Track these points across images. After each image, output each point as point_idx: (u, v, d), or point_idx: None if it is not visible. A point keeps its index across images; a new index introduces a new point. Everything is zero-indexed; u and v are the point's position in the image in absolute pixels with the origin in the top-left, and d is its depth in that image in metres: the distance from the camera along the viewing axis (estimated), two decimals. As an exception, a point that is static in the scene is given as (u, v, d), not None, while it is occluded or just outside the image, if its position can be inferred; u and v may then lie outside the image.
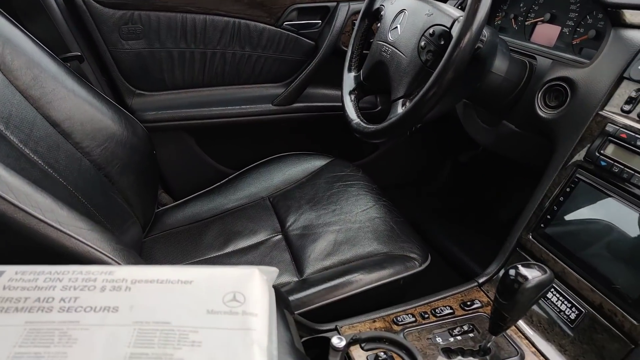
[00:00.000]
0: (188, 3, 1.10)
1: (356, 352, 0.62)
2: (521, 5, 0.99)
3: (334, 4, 1.20)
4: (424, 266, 0.84)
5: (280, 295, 0.53)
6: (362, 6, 1.02)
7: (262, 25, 1.18)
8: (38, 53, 0.74)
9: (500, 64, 0.86)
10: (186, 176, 1.24)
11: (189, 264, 0.90)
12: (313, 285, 0.80)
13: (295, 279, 0.85)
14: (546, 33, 0.93)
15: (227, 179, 1.15)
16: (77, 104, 0.77)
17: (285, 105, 1.24)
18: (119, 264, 0.48)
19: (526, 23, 0.98)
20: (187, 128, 1.20)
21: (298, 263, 0.89)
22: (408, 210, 1.13)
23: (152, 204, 1.03)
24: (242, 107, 1.20)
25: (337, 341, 0.54)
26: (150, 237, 0.98)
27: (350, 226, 0.94)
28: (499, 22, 1.06)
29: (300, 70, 1.24)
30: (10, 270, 0.39)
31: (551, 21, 0.92)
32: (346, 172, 1.11)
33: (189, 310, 0.41)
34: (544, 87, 0.83)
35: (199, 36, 1.14)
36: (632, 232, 0.63)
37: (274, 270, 0.51)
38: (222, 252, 0.93)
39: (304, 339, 0.64)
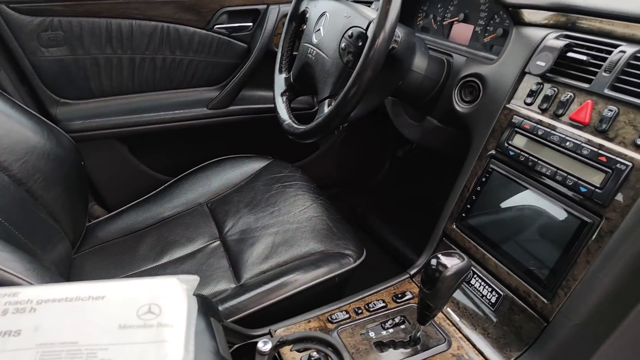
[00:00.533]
0: (111, 8, 1.08)
1: (289, 354, 0.64)
2: (439, 6, 1.05)
3: (264, 6, 1.21)
4: (358, 262, 0.87)
5: (208, 304, 0.54)
6: (289, 8, 1.04)
7: (192, 29, 1.18)
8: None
9: (420, 63, 0.91)
10: (120, 186, 1.21)
11: (123, 277, 0.89)
12: (249, 290, 0.81)
13: (233, 286, 0.86)
14: (462, 32, 0.99)
15: (163, 186, 1.14)
16: (-9, 117, 0.74)
17: (220, 109, 1.24)
18: (31, 284, 0.48)
19: (444, 23, 1.03)
20: (118, 136, 1.18)
21: (236, 269, 0.90)
22: (350, 206, 1.17)
23: (83, 218, 1.01)
24: (176, 112, 1.19)
25: (262, 345, 0.56)
26: (81, 253, 0.96)
27: (288, 227, 0.96)
28: (421, 22, 1.11)
29: (234, 73, 1.25)
30: None
31: (465, 21, 0.98)
32: (285, 172, 1.13)
33: (99, 327, 0.42)
34: (459, 84, 0.88)
35: (126, 42, 1.12)
36: (540, 218, 0.69)
37: (194, 279, 0.52)
38: (157, 263, 0.92)
39: (235, 346, 0.65)
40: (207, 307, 0.52)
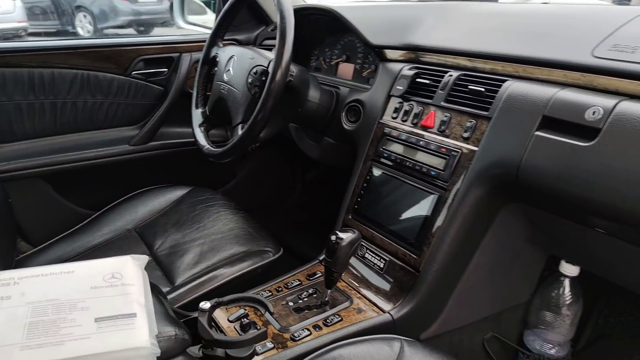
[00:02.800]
0: (33, 59, 1.24)
1: (220, 313, 0.83)
2: (326, 50, 1.35)
3: (177, 54, 1.44)
4: (277, 256, 1.09)
5: (153, 286, 0.72)
6: (201, 55, 1.28)
7: (111, 75, 1.36)
8: None
9: (314, 94, 1.18)
10: (45, 223, 1.32)
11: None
12: (182, 286, 0.99)
13: (168, 289, 1.03)
14: (346, 69, 1.29)
15: (90, 218, 1.28)
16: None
17: (141, 145, 1.42)
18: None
19: (331, 63, 1.33)
20: (41, 175, 1.30)
21: (169, 277, 1.06)
22: (267, 225, 1.37)
23: (11, 253, 1.11)
24: (99, 149, 1.35)
25: (204, 304, 0.75)
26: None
27: (214, 237, 1.15)
28: (314, 63, 1.40)
29: (153, 113, 1.44)
30: None
31: (348, 61, 1.29)
32: (206, 196, 1.32)
33: (75, 289, 0.60)
34: (345, 108, 1.16)
35: (48, 88, 1.27)
36: (409, 198, 0.96)
37: (144, 257, 0.72)
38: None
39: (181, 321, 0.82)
40: (152, 287, 0.70)
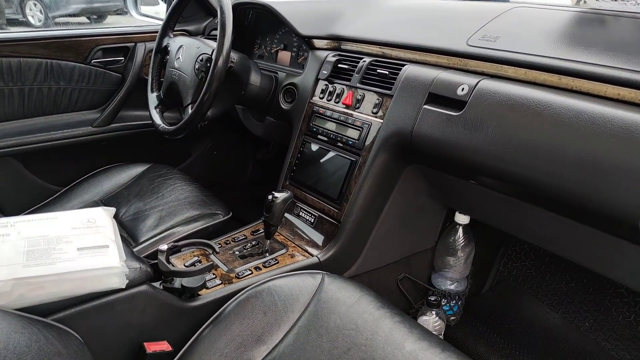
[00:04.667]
0: (5, 49, 1.38)
1: (177, 261, 1.03)
2: (267, 39, 1.54)
3: (132, 44, 1.59)
4: (226, 218, 1.28)
5: (122, 237, 0.89)
6: (154, 45, 1.44)
7: (72, 63, 1.51)
8: None
9: (255, 78, 1.37)
10: (19, 198, 1.46)
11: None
12: (146, 242, 1.17)
13: (132, 245, 1.20)
14: (284, 57, 1.48)
15: (59, 192, 1.43)
16: None
17: (103, 127, 1.57)
18: None
19: (272, 51, 1.52)
20: (13, 154, 1.44)
21: (133, 237, 1.24)
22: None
23: None
24: (64, 131, 1.50)
25: (162, 247, 0.93)
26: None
27: (171, 204, 1.33)
28: (257, 51, 1.59)
29: (112, 98, 1.59)
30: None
31: (285, 49, 1.48)
32: (164, 171, 1.49)
33: (59, 228, 0.78)
34: (282, 90, 1.36)
35: (16, 75, 1.41)
36: (333, 164, 1.17)
37: (112, 209, 0.90)
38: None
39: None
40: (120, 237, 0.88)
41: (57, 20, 8.43)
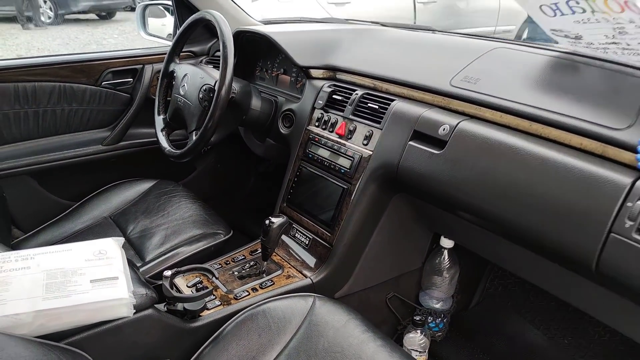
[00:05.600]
0: (16, 75, 1.47)
1: (181, 281, 1.12)
2: (268, 63, 1.62)
3: (141, 66, 1.68)
4: (227, 237, 1.37)
5: (129, 261, 0.99)
6: (161, 69, 1.52)
7: (84, 86, 1.60)
8: None
9: (256, 103, 1.45)
10: (34, 212, 1.56)
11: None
12: (152, 261, 1.26)
13: (140, 264, 1.30)
14: (284, 80, 1.56)
15: (70, 208, 1.53)
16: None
17: (112, 145, 1.67)
18: None
19: (272, 74, 1.60)
20: (28, 172, 1.54)
21: (140, 255, 1.34)
22: (224, 213, 1.64)
23: (7, 238, 1.36)
24: (76, 150, 1.60)
25: (166, 273, 1.03)
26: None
27: (176, 222, 1.42)
28: (258, 73, 1.67)
29: (122, 117, 1.69)
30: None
31: (285, 73, 1.56)
32: (169, 188, 1.59)
33: (74, 260, 0.88)
34: (281, 115, 1.44)
35: (31, 99, 1.51)
36: (327, 190, 1.26)
37: (121, 239, 0.99)
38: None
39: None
40: (128, 261, 0.98)
41: (67, 17, 8.56)
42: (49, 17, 8.16)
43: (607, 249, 0.76)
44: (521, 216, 0.88)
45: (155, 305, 0.99)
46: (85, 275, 0.85)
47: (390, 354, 0.91)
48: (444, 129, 1.02)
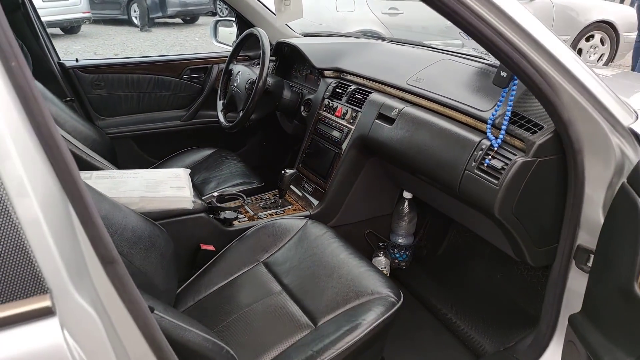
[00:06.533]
0: (127, 69, 2.18)
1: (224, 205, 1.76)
2: (300, 65, 2.23)
3: (210, 65, 2.35)
4: (259, 185, 1.98)
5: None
6: (224, 68, 2.17)
7: (169, 78, 2.29)
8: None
9: (287, 94, 2.06)
10: (132, 166, 2.27)
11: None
12: (206, 196, 1.91)
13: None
14: (310, 78, 2.16)
15: (157, 163, 2.22)
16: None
17: (187, 121, 2.35)
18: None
19: (302, 74, 2.21)
20: (131, 137, 2.25)
21: (201, 194, 1.98)
22: (262, 172, 2.25)
23: None
24: (163, 123, 2.30)
25: (215, 193, 1.65)
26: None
27: (226, 175, 2.05)
28: (294, 73, 2.28)
29: (194, 101, 2.37)
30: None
31: (310, 74, 2.15)
32: (225, 154, 2.22)
33: (161, 176, 1.54)
34: (303, 103, 2.04)
35: (135, 86, 2.21)
36: (325, 154, 1.83)
37: (188, 170, 1.64)
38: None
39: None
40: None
41: (157, 21, 9.72)
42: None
43: (463, 179, 1.28)
44: (429, 164, 1.42)
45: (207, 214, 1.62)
46: (167, 184, 1.50)
47: (346, 249, 1.46)
48: (394, 112, 1.57)
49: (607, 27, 6.15)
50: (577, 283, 1.21)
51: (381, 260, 1.79)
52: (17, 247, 0.56)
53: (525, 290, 1.72)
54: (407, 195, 1.82)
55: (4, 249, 0.55)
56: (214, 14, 10.25)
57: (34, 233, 0.58)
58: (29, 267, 0.57)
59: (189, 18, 10.26)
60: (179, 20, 10.32)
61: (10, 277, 0.56)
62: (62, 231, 0.61)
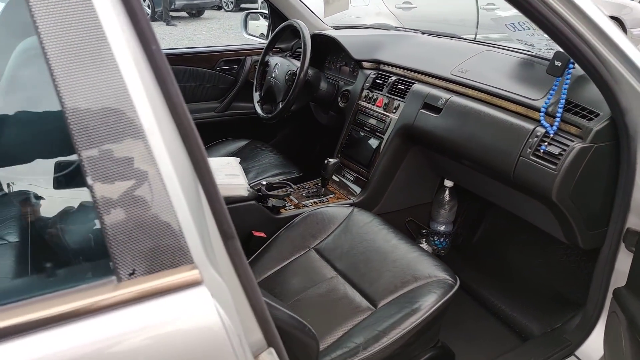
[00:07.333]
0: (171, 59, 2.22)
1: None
2: (334, 57, 2.27)
3: (243, 57, 2.40)
4: (299, 175, 2.03)
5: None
6: (259, 58, 2.22)
7: (204, 70, 2.34)
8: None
9: (323, 85, 2.11)
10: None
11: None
12: (251, 184, 1.96)
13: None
14: (344, 70, 2.21)
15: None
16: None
17: (221, 112, 2.40)
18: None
19: (337, 66, 2.25)
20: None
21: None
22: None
23: None
24: (197, 114, 2.35)
25: (263, 182, 1.70)
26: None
27: (264, 165, 2.10)
28: (327, 65, 2.33)
29: (228, 93, 2.41)
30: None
31: (345, 65, 2.20)
32: (259, 145, 2.27)
33: (216, 164, 1.58)
34: (341, 94, 2.09)
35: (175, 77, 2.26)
36: (366, 144, 1.89)
37: (238, 159, 1.70)
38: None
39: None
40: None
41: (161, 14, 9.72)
42: (147, 14, 9.31)
43: (518, 165, 1.34)
44: (480, 151, 1.47)
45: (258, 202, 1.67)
46: (223, 172, 1.55)
47: (396, 235, 1.52)
48: (441, 101, 1.62)
49: (615, 22, 6.18)
50: (624, 264, 1.27)
51: (424, 246, 1.85)
52: (172, 220, 0.62)
53: (563, 274, 1.78)
54: (448, 183, 1.88)
55: (162, 223, 0.61)
56: (219, 7, 10.26)
57: (180, 208, 0.63)
58: (181, 239, 0.62)
59: (194, 12, 10.27)
60: (184, 13, 10.33)
61: (169, 248, 0.61)
62: (196, 208, 0.66)
